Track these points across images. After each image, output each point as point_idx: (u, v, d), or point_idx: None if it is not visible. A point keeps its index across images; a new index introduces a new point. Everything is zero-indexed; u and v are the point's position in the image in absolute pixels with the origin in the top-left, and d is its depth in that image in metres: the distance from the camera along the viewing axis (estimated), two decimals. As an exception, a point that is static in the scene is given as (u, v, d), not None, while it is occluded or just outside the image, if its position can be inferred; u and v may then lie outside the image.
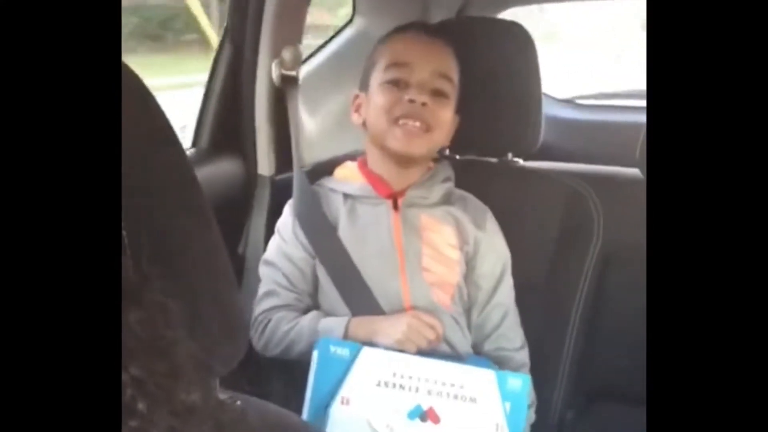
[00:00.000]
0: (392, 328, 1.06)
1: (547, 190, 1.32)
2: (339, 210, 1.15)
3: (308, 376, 1.04)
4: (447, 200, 1.18)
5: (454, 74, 1.14)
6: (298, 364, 1.11)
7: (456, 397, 1.04)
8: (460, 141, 1.29)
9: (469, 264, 1.17)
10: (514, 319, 1.19)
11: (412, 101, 1.08)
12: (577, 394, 1.34)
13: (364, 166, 1.18)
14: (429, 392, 1.04)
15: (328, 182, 1.20)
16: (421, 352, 1.06)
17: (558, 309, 1.30)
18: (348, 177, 1.18)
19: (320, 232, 1.14)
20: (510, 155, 1.37)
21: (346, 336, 1.07)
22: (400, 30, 1.17)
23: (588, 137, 1.96)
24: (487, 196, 1.22)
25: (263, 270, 1.17)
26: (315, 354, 1.04)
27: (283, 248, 1.16)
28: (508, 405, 1.05)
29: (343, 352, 1.04)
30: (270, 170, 1.39)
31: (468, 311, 1.17)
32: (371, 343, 1.07)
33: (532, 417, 1.19)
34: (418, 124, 1.09)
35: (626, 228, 1.30)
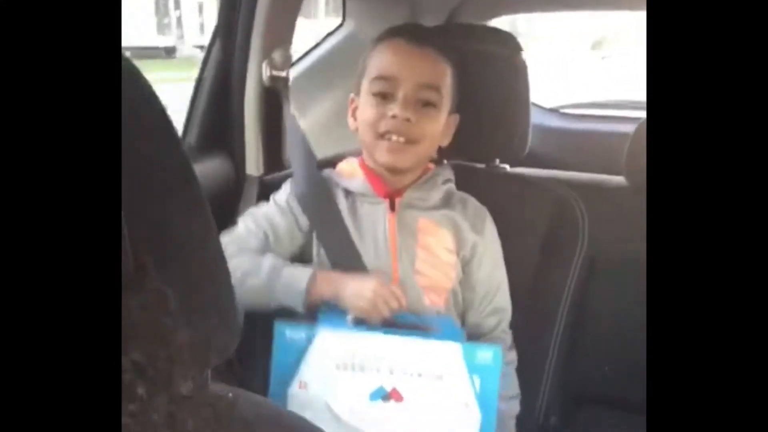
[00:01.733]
0: (357, 295, 1.04)
1: (534, 196, 1.33)
2: (341, 204, 1.14)
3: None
4: (447, 203, 1.18)
5: (444, 82, 1.13)
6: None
7: (420, 374, 1.01)
8: (447, 146, 1.30)
9: (465, 269, 1.16)
10: (508, 322, 1.19)
11: (395, 117, 1.08)
12: (561, 399, 1.35)
13: (364, 164, 1.18)
14: (391, 371, 1.01)
15: (330, 174, 1.19)
16: (385, 326, 1.04)
17: (543, 314, 1.31)
18: (350, 173, 1.18)
19: (323, 209, 1.14)
20: (497, 161, 1.38)
21: (308, 290, 1.04)
22: (390, 34, 1.16)
23: (573, 146, 1.98)
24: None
25: (241, 223, 1.15)
26: (274, 338, 1.01)
27: (270, 213, 1.15)
28: (477, 379, 1.02)
29: (300, 335, 1.01)
30: (258, 170, 1.39)
31: (463, 315, 1.17)
32: (334, 302, 1.05)
33: (517, 408, 1.18)
34: (402, 139, 1.09)
35: (611, 234, 1.31)
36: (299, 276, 1.06)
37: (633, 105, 2.23)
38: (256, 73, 1.34)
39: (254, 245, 1.12)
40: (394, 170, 1.14)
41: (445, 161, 1.36)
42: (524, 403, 1.26)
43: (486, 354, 1.02)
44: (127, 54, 0.44)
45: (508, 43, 1.35)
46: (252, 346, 1.15)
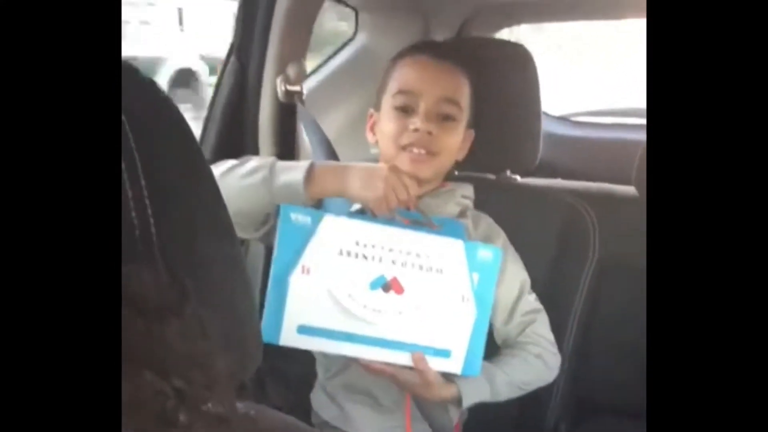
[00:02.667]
0: (366, 184, 1.03)
1: (544, 207, 1.35)
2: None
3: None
4: (461, 217, 1.20)
5: (463, 96, 1.16)
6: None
7: (421, 267, 1.02)
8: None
9: None
10: (539, 329, 1.19)
11: (417, 130, 1.11)
12: (571, 406, 1.36)
13: None
14: (393, 262, 1.01)
15: None
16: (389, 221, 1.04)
17: (554, 323, 1.32)
18: None
19: None
20: (508, 172, 1.40)
21: (307, 180, 1.03)
22: (410, 51, 1.18)
23: (583, 154, 1.98)
24: (485, 213, 1.24)
25: None
26: (279, 221, 1.00)
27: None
28: (476, 276, 1.03)
29: (305, 219, 1.00)
30: (273, 184, 1.40)
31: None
32: (339, 196, 1.05)
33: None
34: (423, 151, 1.11)
35: (622, 245, 1.32)
36: (296, 166, 1.04)
37: (641, 113, 2.23)
38: (271, 88, 1.37)
39: None
40: (414, 180, 1.15)
41: (456, 173, 1.38)
42: (533, 409, 1.27)
43: (487, 253, 1.04)
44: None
45: (520, 54, 1.36)
46: (268, 361, 1.16)
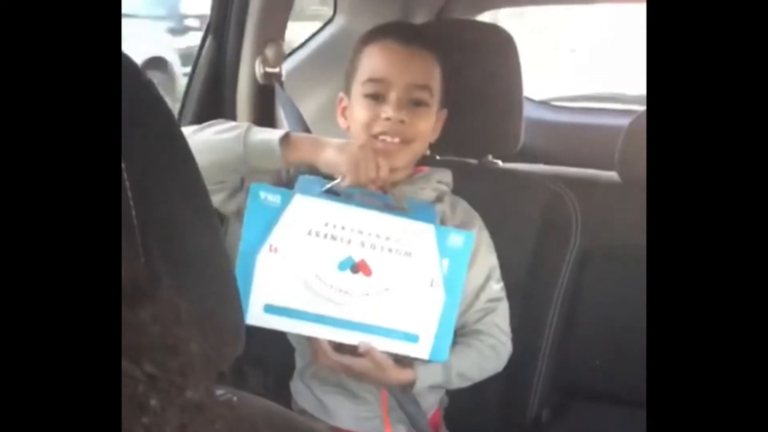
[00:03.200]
0: (338, 155, 1.04)
1: (526, 192, 1.34)
2: None
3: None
4: (438, 201, 1.18)
5: (434, 80, 1.14)
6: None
7: (390, 250, 1.02)
8: (440, 141, 1.30)
9: None
10: (497, 318, 1.18)
11: (389, 119, 1.09)
12: (553, 393, 1.36)
13: None
14: (362, 244, 1.01)
15: None
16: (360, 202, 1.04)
17: (536, 309, 1.32)
18: None
19: None
20: (490, 157, 1.39)
21: (283, 142, 1.03)
22: (378, 35, 1.15)
23: (565, 139, 1.98)
24: (467, 197, 1.23)
25: None
26: (248, 199, 1.00)
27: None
28: (446, 262, 1.03)
29: (275, 198, 1.00)
30: (250, 167, 1.38)
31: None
32: (311, 165, 1.05)
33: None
34: (396, 140, 1.10)
35: (604, 230, 1.32)
36: (272, 132, 1.05)
37: (622, 98, 2.24)
38: (249, 70, 1.34)
39: None
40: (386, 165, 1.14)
41: (438, 157, 1.36)
42: (516, 396, 1.27)
43: (458, 238, 1.03)
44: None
45: (500, 37, 1.35)
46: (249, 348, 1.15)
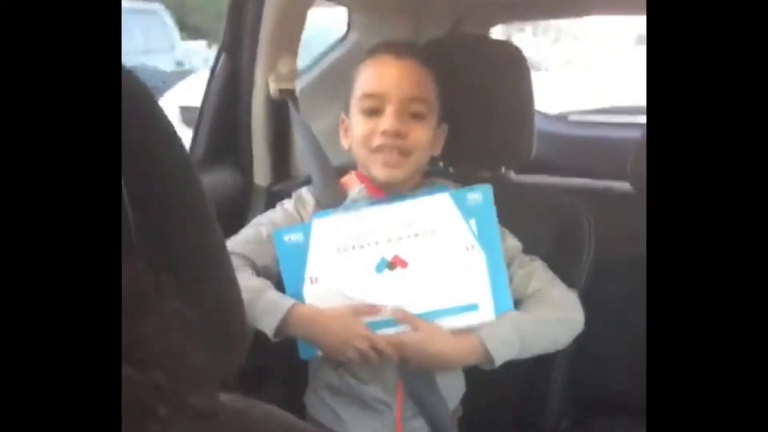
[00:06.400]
0: (334, 343, 1.03)
1: (540, 204, 1.34)
2: None
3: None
4: None
5: (430, 93, 1.14)
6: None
7: (417, 234, 1.03)
8: (453, 154, 1.31)
9: None
10: (542, 273, 1.17)
11: (386, 132, 1.09)
12: (570, 405, 1.35)
13: (362, 176, 1.19)
14: (389, 240, 1.03)
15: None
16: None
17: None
18: (349, 183, 1.20)
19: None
20: (503, 169, 1.39)
21: (285, 320, 1.02)
22: (373, 52, 1.17)
23: (579, 152, 1.98)
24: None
25: (245, 230, 1.16)
26: (276, 247, 1.05)
27: (276, 218, 1.16)
28: (473, 222, 1.04)
29: (297, 236, 1.04)
30: (266, 180, 1.40)
31: None
32: (312, 342, 1.05)
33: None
34: (395, 153, 1.11)
35: (618, 241, 1.31)
36: (277, 307, 1.04)
37: (631, 110, 2.23)
38: (263, 85, 1.36)
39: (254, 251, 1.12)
40: (390, 183, 1.15)
41: (451, 169, 1.37)
42: (532, 408, 1.26)
43: (475, 195, 1.05)
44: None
45: (512, 52, 1.35)
46: (262, 357, 1.15)
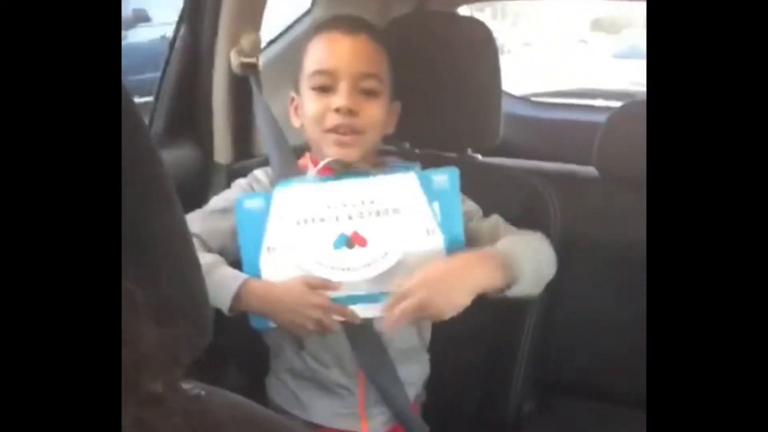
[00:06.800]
0: (288, 315, 1.03)
1: (506, 186, 1.33)
2: None
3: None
4: None
5: (382, 69, 1.12)
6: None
7: (378, 213, 1.02)
8: (419, 135, 1.29)
9: None
10: (505, 227, 1.14)
11: (339, 109, 1.07)
12: (534, 389, 1.35)
13: (314, 158, 1.16)
14: (350, 217, 1.01)
15: None
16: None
17: (514, 303, 1.31)
18: (306, 164, 1.17)
19: None
20: (469, 151, 1.38)
21: (237, 297, 1.00)
22: (322, 28, 1.14)
23: (544, 134, 1.98)
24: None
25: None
26: (235, 213, 1.03)
27: (229, 196, 1.13)
28: (437, 205, 1.02)
29: (258, 203, 1.03)
30: (227, 158, 1.37)
31: None
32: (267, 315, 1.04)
33: None
34: (349, 132, 1.08)
35: (583, 224, 1.32)
36: (230, 282, 1.02)
37: (591, 93, 2.25)
38: (225, 60, 1.32)
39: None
40: (345, 164, 1.12)
41: (417, 151, 1.35)
42: (495, 391, 1.26)
43: (441, 178, 1.03)
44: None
45: (479, 30, 1.34)
46: (222, 342, 1.13)
